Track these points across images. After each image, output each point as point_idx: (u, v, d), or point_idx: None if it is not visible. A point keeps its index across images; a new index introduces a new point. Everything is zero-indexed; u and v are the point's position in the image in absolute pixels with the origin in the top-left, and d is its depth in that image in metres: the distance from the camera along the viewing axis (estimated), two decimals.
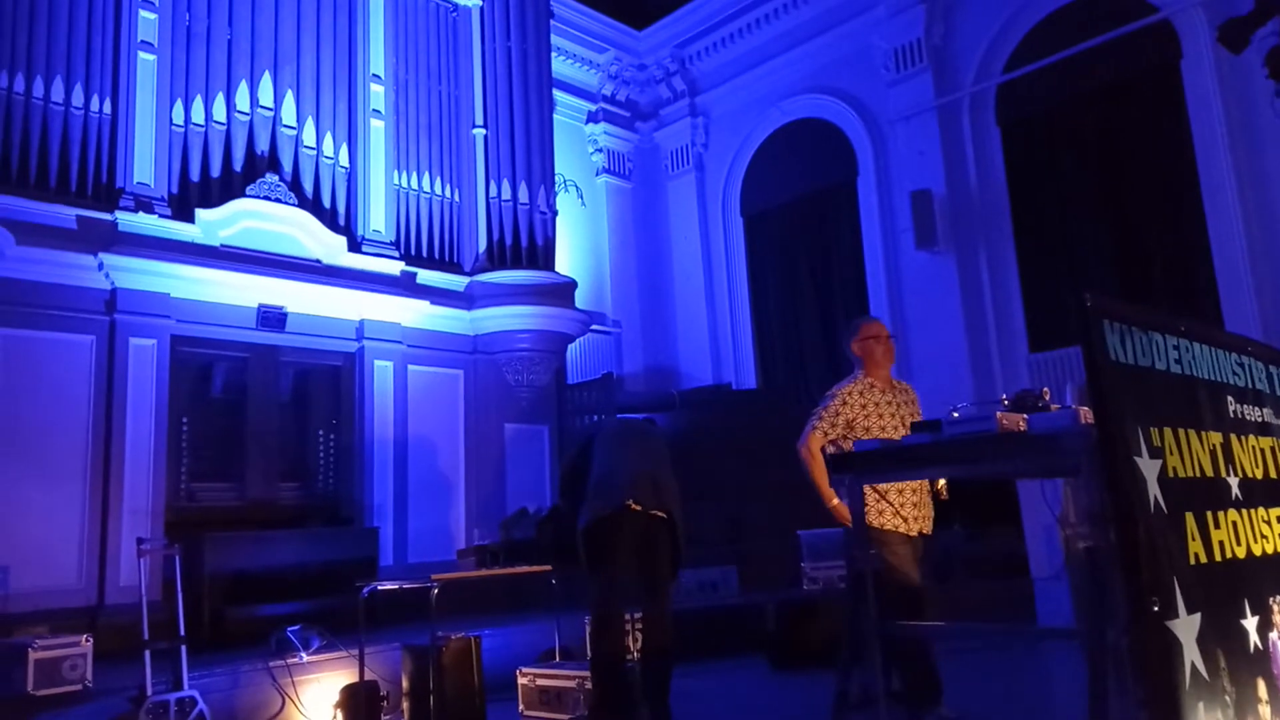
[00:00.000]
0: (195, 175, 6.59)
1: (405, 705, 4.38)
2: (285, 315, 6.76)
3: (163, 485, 6.03)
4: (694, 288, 11.98)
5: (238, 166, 6.74)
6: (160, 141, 6.43)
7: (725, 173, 11.96)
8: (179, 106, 6.57)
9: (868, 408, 3.90)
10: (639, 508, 4.10)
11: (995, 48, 9.52)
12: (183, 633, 4.11)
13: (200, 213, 6.43)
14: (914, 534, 3.77)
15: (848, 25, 10.60)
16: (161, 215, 6.27)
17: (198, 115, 6.62)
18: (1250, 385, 2.77)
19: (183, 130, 6.57)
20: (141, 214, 6.18)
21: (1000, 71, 9.47)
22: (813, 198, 11.13)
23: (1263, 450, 2.68)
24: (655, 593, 4.14)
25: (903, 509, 3.76)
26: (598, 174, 12.02)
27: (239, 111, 6.79)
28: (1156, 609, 1.98)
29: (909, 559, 3.72)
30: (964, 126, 9.64)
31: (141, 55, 6.40)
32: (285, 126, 6.97)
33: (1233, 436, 2.54)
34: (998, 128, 9.57)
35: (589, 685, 4.36)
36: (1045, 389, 2.72)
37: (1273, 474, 2.68)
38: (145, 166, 6.33)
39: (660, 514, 4.14)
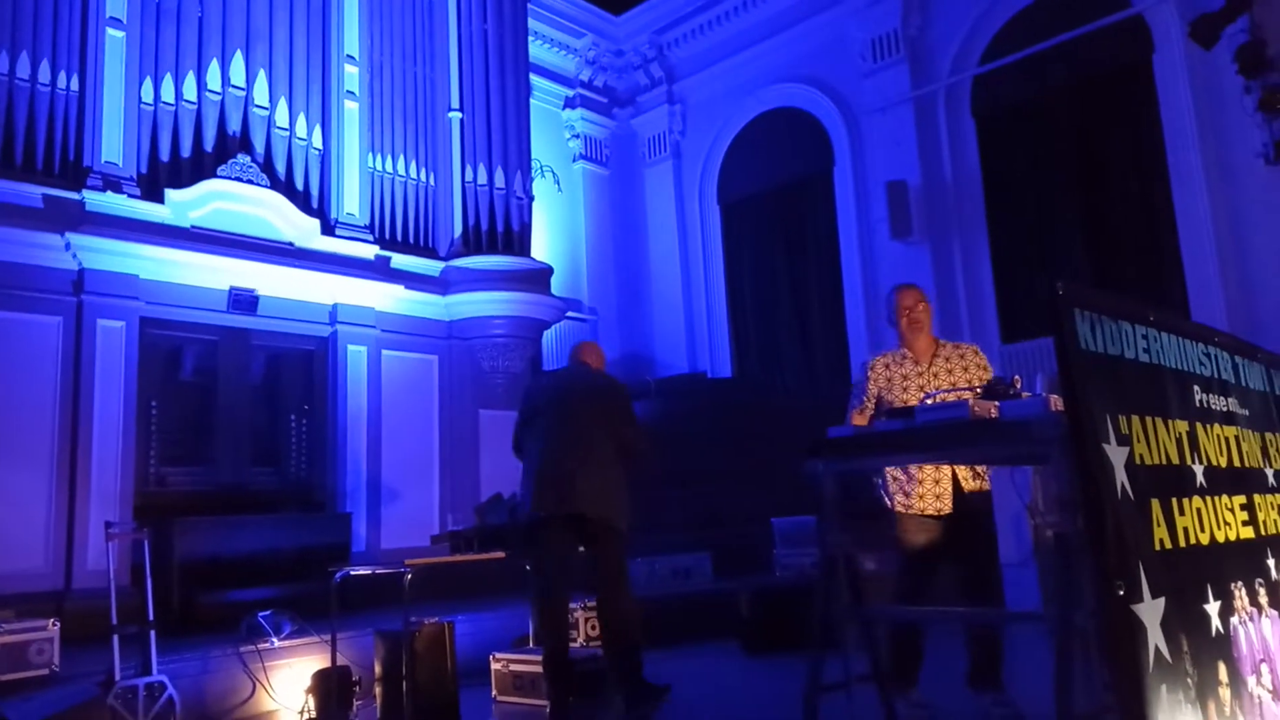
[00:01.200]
0: (165, 155, 6.48)
1: (377, 691, 4.36)
2: (257, 298, 6.68)
3: (131, 469, 5.96)
4: (670, 275, 11.99)
5: (208, 147, 6.64)
6: (129, 120, 6.31)
7: (702, 160, 11.96)
8: (148, 84, 6.45)
9: (893, 380, 3.83)
10: (560, 512, 4.14)
11: (971, 40, 9.58)
12: (151, 617, 4.06)
13: (170, 193, 6.34)
14: (929, 513, 3.74)
15: (825, 14, 10.62)
16: (130, 195, 6.17)
17: (168, 94, 6.51)
18: (1216, 375, 2.82)
19: (152, 109, 6.46)
20: (110, 193, 6.07)
21: (976, 63, 9.53)
22: (789, 187, 11.17)
23: (1227, 439, 2.73)
24: (602, 582, 4.18)
25: (921, 485, 3.75)
26: (574, 160, 11.97)
27: (210, 91, 6.68)
28: (1122, 593, 2.02)
29: (919, 540, 3.75)
30: (939, 118, 9.70)
31: (110, 32, 6.28)
32: (257, 107, 6.87)
33: (1198, 425, 2.59)
34: (973, 119, 9.64)
35: None
36: (1017, 377, 2.75)
37: (1236, 462, 2.74)
38: (114, 145, 6.21)
39: (584, 515, 4.12)
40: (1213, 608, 2.32)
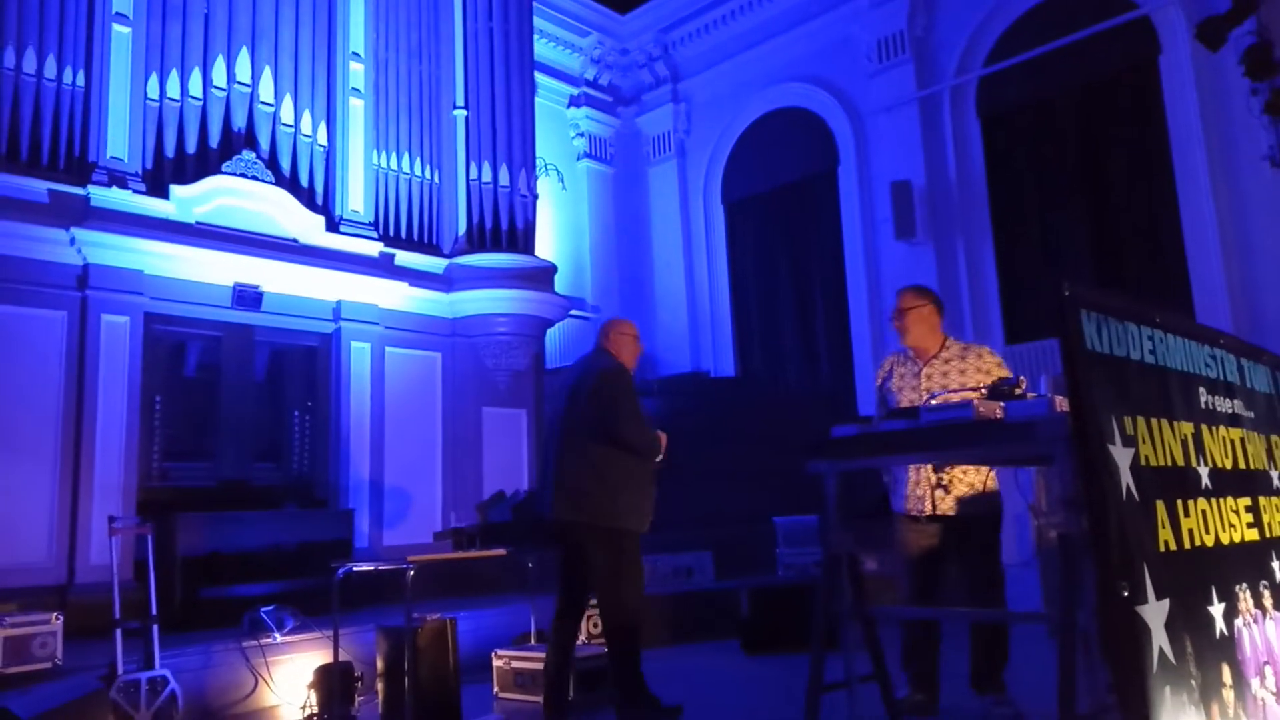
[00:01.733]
0: (170, 151, 6.48)
1: (380, 686, 4.37)
2: (261, 294, 6.69)
3: (135, 464, 5.96)
4: (674, 274, 11.99)
5: (214, 143, 6.64)
6: (135, 116, 6.31)
7: (707, 159, 11.95)
8: (154, 80, 6.46)
9: (893, 379, 4.00)
10: (549, 517, 4.13)
11: (977, 41, 9.56)
12: (154, 612, 4.07)
13: (175, 189, 6.34)
14: (912, 514, 3.81)
15: (831, 14, 10.61)
16: (135, 191, 6.17)
17: (173, 90, 6.51)
18: (1221, 377, 2.81)
19: (158, 105, 6.46)
20: (115, 189, 6.07)
21: (981, 64, 9.52)
22: (794, 186, 11.16)
23: (1232, 441, 2.72)
24: (594, 586, 4.14)
25: (904, 487, 3.84)
26: (579, 158, 11.97)
27: (216, 87, 6.69)
28: (1126, 594, 2.01)
29: (910, 541, 3.80)
30: (945, 118, 9.69)
31: (116, 28, 6.28)
32: (263, 103, 6.88)
33: (1204, 427, 2.58)
34: (978, 120, 9.62)
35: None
36: (1022, 378, 2.75)
37: (1241, 464, 2.73)
38: (119, 141, 6.22)
39: (559, 519, 4.07)
40: (1217, 610, 2.32)
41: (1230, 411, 2.78)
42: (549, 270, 8.29)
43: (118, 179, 6.12)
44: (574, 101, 11.98)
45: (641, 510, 4.08)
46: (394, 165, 7.80)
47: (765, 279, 11.37)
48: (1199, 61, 7.97)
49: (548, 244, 10.43)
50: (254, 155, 6.74)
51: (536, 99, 9.01)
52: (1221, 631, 2.31)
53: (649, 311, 12.05)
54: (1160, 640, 2.05)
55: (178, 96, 6.53)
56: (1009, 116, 9.41)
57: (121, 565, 5.13)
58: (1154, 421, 2.36)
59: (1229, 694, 2.25)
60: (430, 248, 7.95)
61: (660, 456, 4.15)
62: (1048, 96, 9.07)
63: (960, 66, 9.62)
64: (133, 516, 5.47)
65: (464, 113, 8.16)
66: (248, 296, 6.61)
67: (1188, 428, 2.50)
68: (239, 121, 6.77)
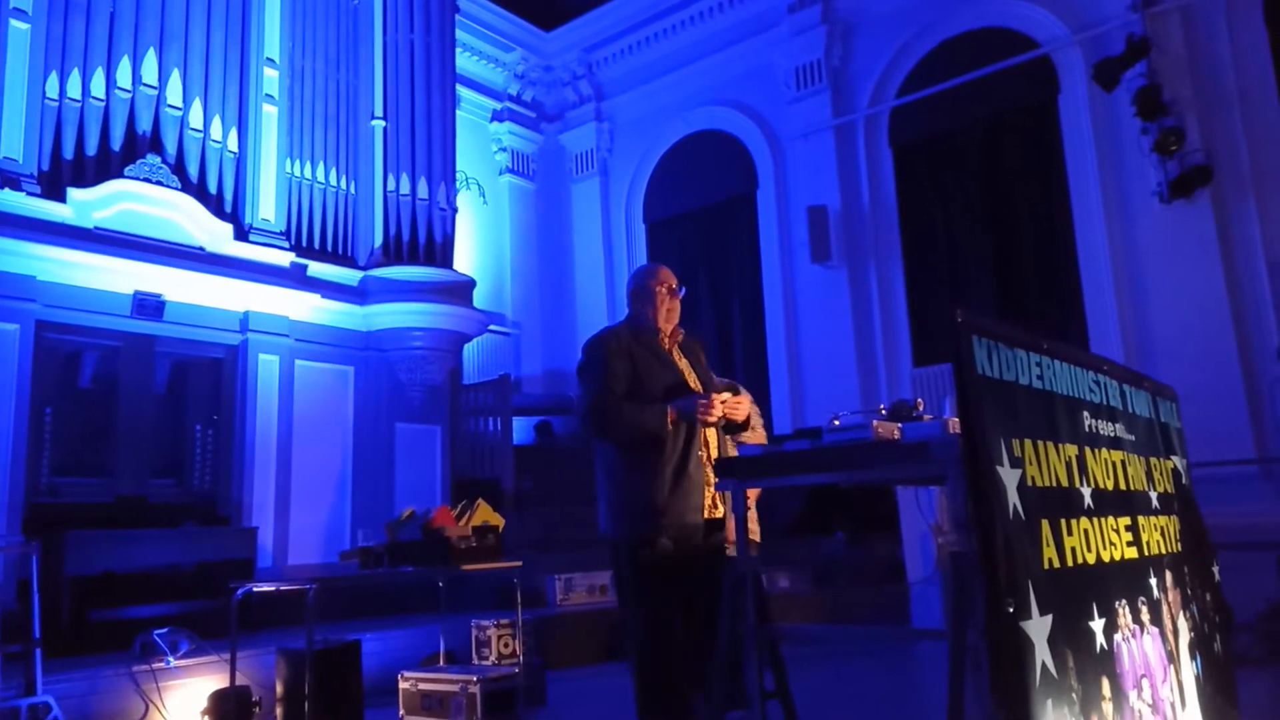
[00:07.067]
0: (69, 153, 6.23)
1: (279, 711, 4.24)
2: (163, 304, 6.46)
3: (21, 479, 5.67)
4: (595, 292, 11.99)
5: (116, 146, 6.40)
6: (31, 115, 6.05)
7: (629, 178, 12.03)
8: (54, 79, 6.20)
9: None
10: None
11: (890, 72, 9.88)
12: (37, 635, 3.88)
13: (73, 192, 6.09)
14: None
15: (752, 41, 10.82)
16: (30, 193, 5.91)
17: (74, 90, 6.26)
18: (1105, 402, 2.94)
19: (57, 105, 6.20)
20: (7, 190, 5.80)
21: (894, 96, 9.83)
22: (714, 208, 11.30)
23: (1114, 463, 2.85)
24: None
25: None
26: (501, 173, 11.91)
27: (120, 88, 6.45)
28: (1012, 610, 2.09)
29: None
30: (859, 147, 9.96)
31: (14, 24, 6.02)
32: (170, 106, 6.66)
33: (1087, 449, 2.70)
34: (890, 149, 9.92)
35: (472, 689, 4.35)
36: (919, 399, 2.84)
37: (1122, 485, 2.86)
38: (13, 141, 5.95)
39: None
40: (1097, 625, 2.41)
41: (1112, 435, 2.91)
42: (467, 285, 8.22)
43: (10, 180, 5.85)
44: (497, 116, 11.93)
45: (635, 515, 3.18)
46: (308, 174, 7.64)
47: (685, 298, 11.46)
48: (1095, 101, 8.40)
49: (467, 258, 10.33)
50: (159, 160, 6.53)
51: (458, 112, 8.95)
52: (1101, 646, 2.40)
53: (570, 329, 12.03)
54: (1043, 654, 2.12)
55: (79, 97, 6.28)
56: (920, 147, 9.73)
57: (4, 586, 4.88)
58: (1040, 444, 2.46)
59: (1108, 706, 2.35)
60: (345, 259, 7.80)
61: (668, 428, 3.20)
62: (956, 129, 9.42)
63: (874, 97, 9.92)
64: (17, 534, 5.20)
65: (382, 123, 8.05)
66: (149, 305, 6.38)
67: (1072, 450, 2.61)
68: (144, 125, 6.55)
